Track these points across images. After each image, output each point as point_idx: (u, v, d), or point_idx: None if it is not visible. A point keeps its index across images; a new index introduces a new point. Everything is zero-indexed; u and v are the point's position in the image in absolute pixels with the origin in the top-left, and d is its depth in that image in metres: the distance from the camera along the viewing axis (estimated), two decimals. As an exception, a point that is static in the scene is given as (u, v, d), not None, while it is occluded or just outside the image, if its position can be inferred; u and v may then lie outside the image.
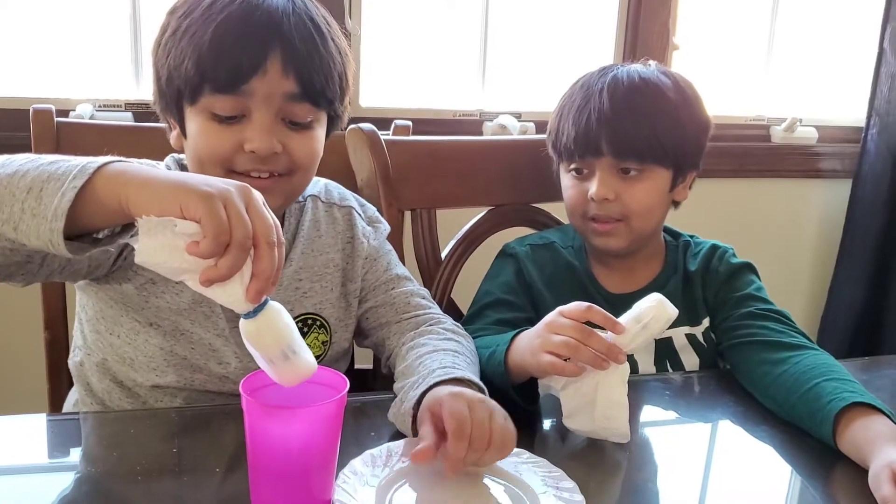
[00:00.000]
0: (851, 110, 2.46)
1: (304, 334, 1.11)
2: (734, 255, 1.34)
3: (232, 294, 0.72)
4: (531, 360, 1.01)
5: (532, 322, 1.08)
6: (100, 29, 1.84)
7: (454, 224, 1.50)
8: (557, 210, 1.50)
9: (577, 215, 1.30)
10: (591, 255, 1.35)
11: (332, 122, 1.10)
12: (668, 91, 1.25)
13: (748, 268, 1.32)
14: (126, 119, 1.77)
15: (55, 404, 1.27)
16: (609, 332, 0.99)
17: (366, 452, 0.89)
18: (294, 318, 1.09)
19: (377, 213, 1.26)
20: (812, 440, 1.03)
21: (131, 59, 1.85)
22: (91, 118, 1.70)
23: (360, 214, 1.22)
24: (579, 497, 0.84)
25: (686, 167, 1.29)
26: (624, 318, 0.99)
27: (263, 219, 0.72)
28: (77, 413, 1.14)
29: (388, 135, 1.44)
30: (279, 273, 0.73)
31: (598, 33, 2.26)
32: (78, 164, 0.76)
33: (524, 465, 0.90)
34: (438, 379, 0.94)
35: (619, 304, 1.26)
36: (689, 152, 1.28)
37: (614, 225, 1.25)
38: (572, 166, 1.29)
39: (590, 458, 0.98)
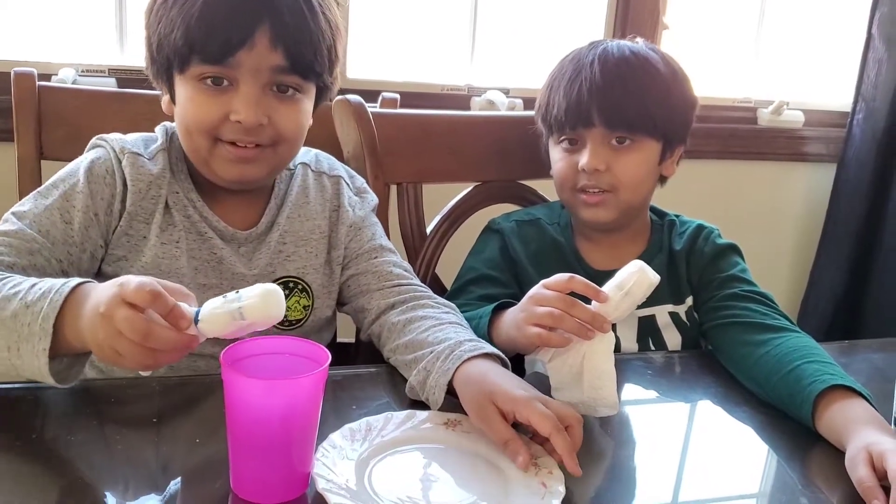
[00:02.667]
0: (838, 95, 2.47)
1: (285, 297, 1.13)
2: (720, 235, 1.34)
3: None
4: (517, 334, 1.02)
5: (516, 298, 1.08)
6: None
7: (440, 199, 1.49)
8: (543, 187, 1.50)
9: (566, 188, 1.30)
10: (576, 232, 1.35)
11: (321, 92, 1.11)
12: (657, 64, 1.27)
13: (733, 249, 1.32)
14: (109, 85, 1.74)
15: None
16: (593, 302, 0.99)
17: (345, 426, 0.89)
18: (276, 280, 1.13)
19: (365, 185, 1.27)
20: (791, 422, 1.04)
21: (115, 24, 1.82)
22: (74, 83, 1.68)
23: (348, 184, 1.23)
24: (558, 473, 0.84)
25: (674, 141, 1.30)
26: (606, 287, 0.99)
27: (129, 327, 0.79)
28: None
29: (375, 107, 1.43)
30: (180, 334, 0.80)
31: (588, 11, 2.24)
32: (38, 315, 0.84)
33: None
34: (470, 354, 0.96)
35: (604, 280, 1.26)
36: (677, 126, 1.29)
37: (603, 196, 1.26)
38: (563, 138, 1.29)
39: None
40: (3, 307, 0.87)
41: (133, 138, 1.10)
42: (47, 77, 1.59)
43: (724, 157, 2.35)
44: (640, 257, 1.30)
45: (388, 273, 1.18)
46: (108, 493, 0.79)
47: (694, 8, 2.34)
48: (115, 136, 1.09)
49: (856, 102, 2.38)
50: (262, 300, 0.78)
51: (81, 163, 1.07)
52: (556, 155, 1.31)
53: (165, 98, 1.09)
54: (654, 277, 0.98)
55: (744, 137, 2.36)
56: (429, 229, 1.46)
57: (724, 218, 1.43)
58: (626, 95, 1.23)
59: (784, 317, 1.19)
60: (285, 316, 1.10)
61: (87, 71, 1.78)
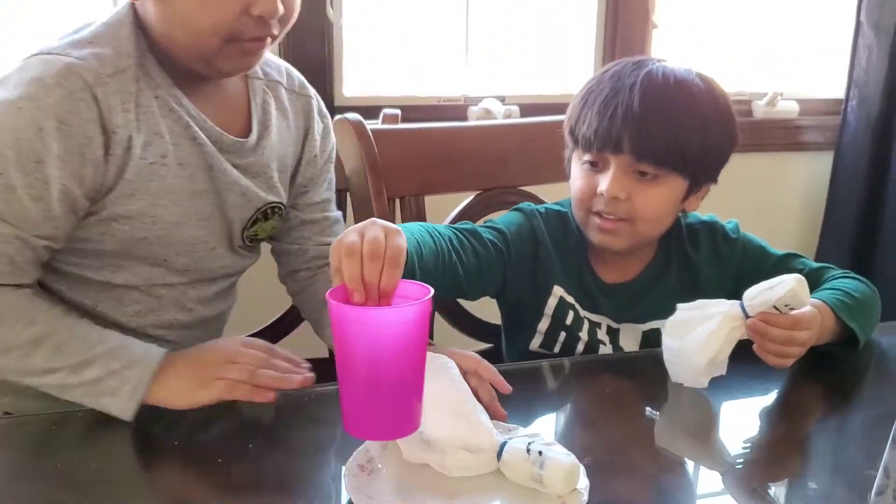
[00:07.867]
0: (831, 83, 2.49)
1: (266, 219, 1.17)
2: (728, 229, 1.33)
3: None
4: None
5: (498, 265, 1.20)
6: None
7: (442, 209, 1.51)
8: (544, 192, 1.50)
9: (582, 208, 1.23)
10: (587, 244, 1.28)
11: None
12: (701, 99, 1.20)
13: (756, 242, 1.34)
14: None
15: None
16: (745, 298, 1.06)
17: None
18: (265, 206, 1.14)
19: (323, 106, 1.26)
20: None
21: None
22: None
23: (316, 107, 1.22)
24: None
25: (703, 180, 1.25)
26: (763, 296, 1.05)
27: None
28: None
29: (376, 123, 1.45)
30: None
31: (579, 12, 2.27)
32: (124, 383, 0.92)
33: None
34: None
35: (612, 293, 1.26)
36: (709, 165, 1.24)
37: (619, 224, 1.19)
38: (587, 158, 1.21)
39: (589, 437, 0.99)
40: (79, 369, 0.93)
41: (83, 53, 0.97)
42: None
43: (722, 151, 2.36)
44: (648, 267, 1.28)
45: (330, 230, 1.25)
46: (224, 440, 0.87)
47: (683, 5, 2.36)
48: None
49: (849, 89, 2.40)
50: (565, 482, 0.79)
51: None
52: (577, 171, 1.24)
53: None
54: (805, 297, 1.05)
55: (740, 130, 2.38)
56: (434, 240, 1.47)
57: (724, 212, 1.44)
58: (660, 128, 1.16)
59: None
60: (256, 234, 1.17)
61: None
